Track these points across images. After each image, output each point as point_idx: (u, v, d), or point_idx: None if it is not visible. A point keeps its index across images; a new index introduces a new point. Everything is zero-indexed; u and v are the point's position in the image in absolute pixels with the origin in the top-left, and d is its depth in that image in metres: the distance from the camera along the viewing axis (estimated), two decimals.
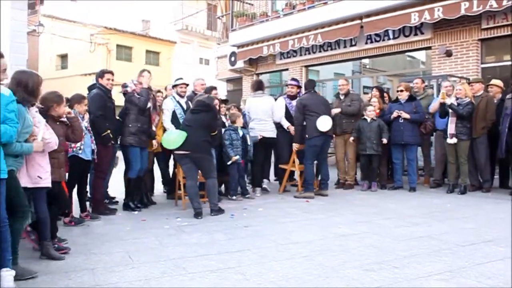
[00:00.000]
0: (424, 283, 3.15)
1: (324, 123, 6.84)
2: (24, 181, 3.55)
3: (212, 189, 5.85)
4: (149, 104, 6.14)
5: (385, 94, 8.59)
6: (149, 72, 6.24)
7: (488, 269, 3.44)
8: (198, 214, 5.58)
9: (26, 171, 3.61)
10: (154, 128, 6.34)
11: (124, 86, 6.13)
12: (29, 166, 3.62)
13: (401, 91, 7.61)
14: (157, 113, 6.51)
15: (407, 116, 7.35)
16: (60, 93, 4.29)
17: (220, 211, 5.79)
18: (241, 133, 6.96)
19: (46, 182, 3.77)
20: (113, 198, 6.81)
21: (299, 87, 8.01)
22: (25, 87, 3.43)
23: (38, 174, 3.68)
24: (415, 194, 7.27)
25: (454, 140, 7.04)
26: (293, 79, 8.54)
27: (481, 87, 7.38)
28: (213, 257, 3.86)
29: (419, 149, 7.92)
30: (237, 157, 6.76)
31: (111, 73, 5.95)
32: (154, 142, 6.33)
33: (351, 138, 7.59)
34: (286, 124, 7.59)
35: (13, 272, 3.07)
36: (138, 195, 6.39)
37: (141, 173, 6.20)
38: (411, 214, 5.65)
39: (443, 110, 7.07)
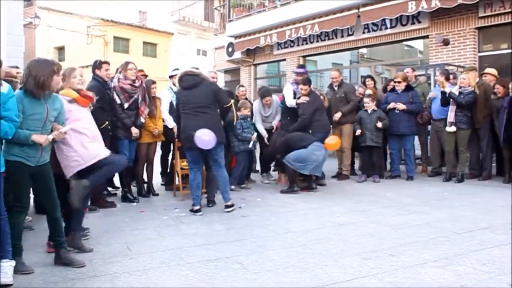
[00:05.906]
0: (421, 271, 3.18)
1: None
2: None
3: (213, 180, 5.85)
4: (135, 96, 6.02)
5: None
6: (133, 63, 6.13)
7: (484, 256, 3.47)
8: None
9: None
10: (143, 120, 6.15)
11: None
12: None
13: (399, 82, 7.59)
14: (146, 104, 6.20)
15: (403, 107, 7.35)
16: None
17: (215, 202, 5.80)
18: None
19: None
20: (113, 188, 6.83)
21: (305, 74, 7.78)
22: (35, 79, 3.24)
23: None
24: (413, 183, 7.30)
25: (453, 129, 7.03)
26: (300, 66, 8.18)
27: (475, 76, 7.36)
28: (211, 247, 3.89)
29: (416, 138, 7.93)
30: (255, 134, 6.97)
31: (108, 63, 5.92)
32: (137, 131, 6.03)
33: (358, 131, 7.35)
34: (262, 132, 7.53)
35: (13, 263, 3.08)
36: (138, 186, 6.45)
37: (130, 162, 6.23)
38: (408, 203, 5.68)
39: (444, 99, 7.07)
